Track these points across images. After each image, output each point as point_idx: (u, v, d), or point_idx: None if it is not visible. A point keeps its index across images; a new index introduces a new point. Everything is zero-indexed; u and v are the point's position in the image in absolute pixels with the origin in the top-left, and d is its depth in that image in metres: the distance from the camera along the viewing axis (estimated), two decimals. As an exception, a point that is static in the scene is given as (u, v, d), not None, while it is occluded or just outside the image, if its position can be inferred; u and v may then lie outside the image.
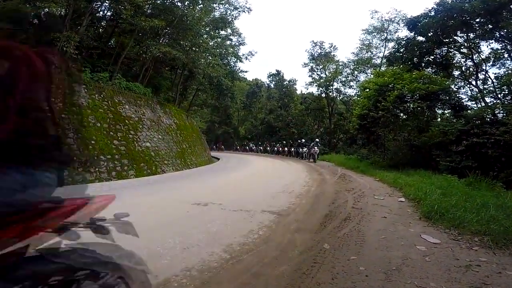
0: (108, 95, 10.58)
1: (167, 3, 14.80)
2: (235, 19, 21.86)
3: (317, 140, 20.02)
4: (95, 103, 9.70)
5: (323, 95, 32.35)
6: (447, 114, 13.68)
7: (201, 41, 17.24)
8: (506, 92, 12.77)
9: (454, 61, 15.55)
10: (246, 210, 4.87)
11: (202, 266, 2.63)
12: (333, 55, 31.83)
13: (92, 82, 10.16)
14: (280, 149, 28.04)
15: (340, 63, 31.16)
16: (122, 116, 10.84)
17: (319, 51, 31.91)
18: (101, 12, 14.64)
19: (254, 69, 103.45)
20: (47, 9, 10.27)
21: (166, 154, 12.77)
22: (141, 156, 10.77)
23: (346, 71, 30.85)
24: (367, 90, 14.92)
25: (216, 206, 5.20)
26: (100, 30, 15.71)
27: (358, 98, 18.22)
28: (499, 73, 14.43)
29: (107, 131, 9.65)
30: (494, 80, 14.05)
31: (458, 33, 13.96)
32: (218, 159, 21.97)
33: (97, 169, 8.48)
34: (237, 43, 25.26)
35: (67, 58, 9.57)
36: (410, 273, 2.55)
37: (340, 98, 32.29)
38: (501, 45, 14.07)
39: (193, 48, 17.11)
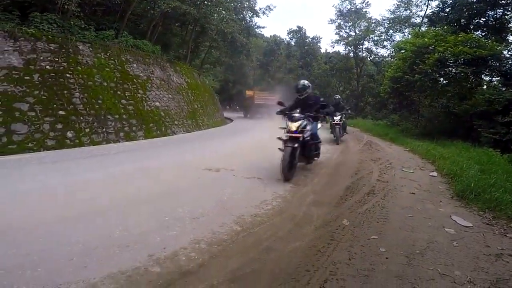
0: (114, 53, 10.50)
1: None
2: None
3: (337, 97, 12.20)
4: (101, 62, 9.68)
5: (351, 54, 31.32)
6: (496, 82, 12.85)
7: (213, -7, 16.53)
8: None
9: (511, 24, 14.25)
10: (259, 178, 4.90)
11: (212, 239, 2.70)
12: (365, 11, 30.49)
13: (97, 41, 10.06)
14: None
15: (373, 21, 29.80)
16: (129, 75, 10.83)
17: (348, 6, 30.61)
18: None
19: (273, 25, 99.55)
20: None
21: (177, 115, 12.88)
22: (150, 116, 10.92)
23: (379, 29, 29.45)
24: (403, 51, 14.48)
25: (228, 172, 5.27)
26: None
27: (392, 60, 17.54)
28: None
29: (114, 91, 9.72)
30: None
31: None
32: (232, 120, 22.01)
33: (104, 129, 8.69)
34: (253, -4, 24.14)
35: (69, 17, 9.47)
36: (434, 259, 2.51)
37: (371, 58, 31.12)
38: None
39: (205, 2, 16.46)
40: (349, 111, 13.64)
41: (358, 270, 2.28)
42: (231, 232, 2.88)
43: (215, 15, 18.11)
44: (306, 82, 5.64)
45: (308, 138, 5.13)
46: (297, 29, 40.01)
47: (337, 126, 10.19)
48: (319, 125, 5.96)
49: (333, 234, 2.92)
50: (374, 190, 4.54)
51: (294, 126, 4.92)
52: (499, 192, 4.04)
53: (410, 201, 4.05)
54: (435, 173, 5.86)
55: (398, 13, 27.80)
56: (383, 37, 29.37)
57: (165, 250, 2.45)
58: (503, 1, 13.15)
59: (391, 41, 28.50)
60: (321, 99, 6.15)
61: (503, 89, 10.97)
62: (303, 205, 3.76)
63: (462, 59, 11.44)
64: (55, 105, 7.69)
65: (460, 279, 2.22)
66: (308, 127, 5.15)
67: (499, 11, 13.71)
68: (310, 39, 39.15)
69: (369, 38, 29.74)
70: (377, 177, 5.35)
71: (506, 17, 13.91)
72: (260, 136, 10.98)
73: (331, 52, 35.76)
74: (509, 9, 13.61)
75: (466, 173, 5.17)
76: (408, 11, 27.24)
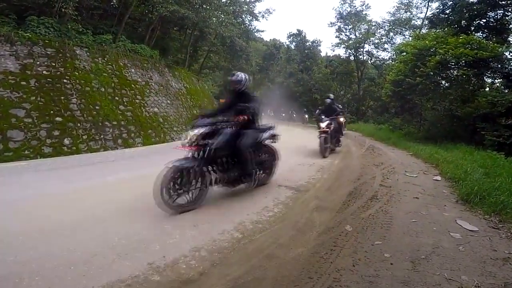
0: (112, 58, 10.57)
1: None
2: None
3: (329, 100, 9.34)
4: (98, 67, 9.74)
5: (352, 58, 31.45)
6: (498, 84, 12.92)
7: (212, -3, 16.66)
8: None
9: (511, 25, 14.37)
10: (261, 184, 4.90)
11: (212, 246, 2.70)
12: (365, 14, 30.57)
13: (94, 45, 10.13)
14: (306, 116, 27.53)
15: (373, 23, 29.93)
16: (127, 80, 10.88)
17: (348, 9, 30.75)
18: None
19: (272, 28, 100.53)
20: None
21: (176, 120, 12.91)
22: (149, 122, 10.95)
23: (379, 32, 29.66)
24: (404, 53, 14.60)
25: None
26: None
27: (393, 63, 17.64)
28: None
29: (112, 96, 9.76)
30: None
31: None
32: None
33: (102, 136, 8.71)
34: (252, 0, 24.34)
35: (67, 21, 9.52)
36: (440, 264, 2.50)
37: (372, 61, 31.26)
38: None
39: (204, 6, 16.56)
40: (341, 111, 9.57)
41: (362, 277, 2.27)
42: (232, 239, 2.87)
43: (214, 19, 18.22)
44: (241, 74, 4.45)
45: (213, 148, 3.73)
46: (297, 32, 40.12)
47: (323, 135, 8.05)
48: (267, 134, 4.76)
49: (336, 240, 2.91)
50: (377, 195, 4.53)
51: None
52: (504, 195, 4.03)
53: (414, 206, 4.05)
54: (438, 177, 5.85)
55: (399, 15, 28.01)
56: (383, 40, 29.54)
57: (165, 258, 2.44)
58: (503, 2, 13.21)
59: (391, 44, 28.66)
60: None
61: (506, 91, 11.05)
62: (306, 211, 3.75)
63: (463, 61, 11.52)
64: (52, 111, 7.72)
65: (467, 284, 2.22)
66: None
67: (500, 12, 13.77)
68: (310, 43, 39.28)
69: (370, 41, 29.89)
70: (380, 182, 5.34)
71: (507, 18, 13.98)
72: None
73: (331, 55, 36.05)
74: (510, 9, 13.66)
75: (471, 176, 5.16)
76: (409, 13, 27.43)
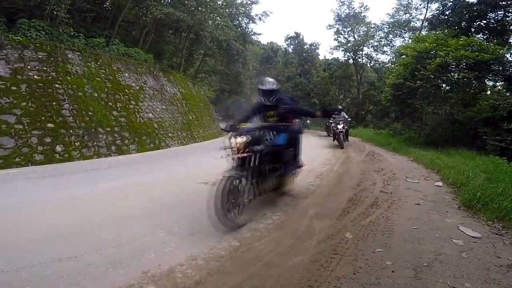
0: (105, 62, 10.62)
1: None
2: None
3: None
4: (91, 72, 9.77)
5: (351, 61, 31.73)
6: (499, 87, 13.05)
7: (208, -1, 16.80)
8: None
9: None
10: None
11: (209, 255, 2.69)
12: (364, 16, 30.95)
13: (87, 49, 10.17)
14: (308, 121, 27.15)
15: (372, 25, 30.26)
16: (121, 85, 10.91)
17: (347, 11, 31.05)
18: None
19: (269, 31, 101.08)
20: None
21: (171, 126, 12.93)
22: (143, 129, 10.96)
23: (379, 34, 29.95)
24: (404, 56, 14.74)
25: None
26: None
27: (393, 66, 17.77)
28: None
29: (105, 102, 9.78)
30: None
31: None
32: (229, 131, 22.05)
33: (95, 143, 8.70)
34: (249, 2, 24.59)
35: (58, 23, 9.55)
36: (442, 271, 2.51)
37: (371, 65, 31.58)
38: None
39: (199, 8, 16.69)
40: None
41: (363, 285, 2.28)
42: (229, 247, 2.87)
43: (209, 21, 18.33)
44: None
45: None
46: (295, 35, 40.45)
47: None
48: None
49: (336, 248, 2.92)
50: (377, 201, 4.55)
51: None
52: (507, 201, 4.05)
53: (415, 212, 4.07)
54: (440, 183, 5.89)
55: (398, 17, 28.25)
56: (383, 42, 29.81)
57: (160, 267, 2.44)
58: (503, 3, 13.37)
59: (391, 47, 28.96)
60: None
61: (508, 94, 11.11)
62: (305, 218, 3.76)
63: (464, 64, 11.62)
64: (43, 118, 7.72)
65: (470, 292, 2.23)
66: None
67: (500, 12, 13.94)
68: (308, 46, 39.59)
69: (369, 44, 30.19)
70: (381, 188, 5.36)
71: (507, 19, 14.13)
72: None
73: (330, 58, 36.23)
74: (510, 10, 13.82)
75: (473, 182, 5.20)
76: (408, 15, 27.70)
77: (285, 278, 2.36)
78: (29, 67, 7.99)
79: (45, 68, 8.37)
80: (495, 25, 14.10)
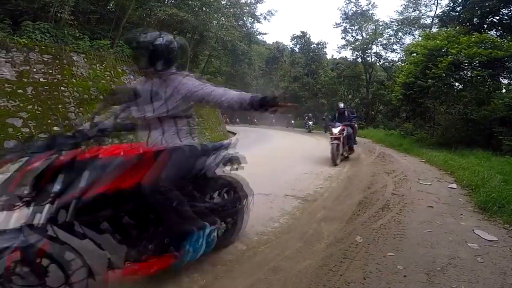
0: (110, 64, 10.75)
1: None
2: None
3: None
4: (96, 74, 9.90)
5: (359, 60, 31.53)
6: (515, 85, 12.86)
7: (212, -1, 16.93)
8: None
9: None
10: (266, 194, 4.87)
11: (215, 259, 2.69)
12: (372, 13, 30.89)
13: (91, 51, 10.30)
14: (310, 122, 26.45)
15: (381, 23, 30.19)
16: (126, 86, 11.04)
17: (354, 9, 31.02)
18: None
19: (275, 31, 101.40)
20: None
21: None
22: (150, 132, 11.03)
23: (387, 32, 29.86)
24: (414, 54, 14.58)
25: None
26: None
27: (403, 64, 17.65)
28: None
29: (111, 104, 9.88)
30: None
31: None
32: (234, 133, 22.14)
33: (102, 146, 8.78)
34: (253, 1, 24.67)
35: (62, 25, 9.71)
36: (457, 276, 2.47)
37: (380, 63, 31.36)
38: None
39: (203, 8, 16.84)
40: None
41: (374, 290, 2.26)
42: (235, 251, 2.87)
43: (214, 22, 18.46)
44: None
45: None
46: (301, 34, 40.37)
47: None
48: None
49: (345, 252, 2.89)
50: (389, 204, 4.51)
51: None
52: (525, 204, 4.00)
53: (428, 215, 4.02)
54: (454, 185, 5.81)
55: (407, 14, 28.17)
56: (392, 40, 29.66)
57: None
58: None
59: (400, 45, 28.79)
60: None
61: (524, 92, 10.98)
62: (313, 221, 3.74)
63: (477, 62, 11.47)
64: (49, 120, 7.84)
65: (486, 299, 2.19)
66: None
67: (514, 7, 13.79)
68: (315, 45, 39.44)
69: (377, 42, 29.99)
70: (392, 191, 5.31)
71: (522, 13, 14.01)
72: (265, 152, 11.01)
73: (337, 58, 36.10)
74: (525, 5, 13.68)
75: (488, 184, 5.12)
76: (417, 12, 27.63)
77: (293, 283, 2.35)
78: (34, 69, 8.13)
79: (51, 71, 8.50)
80: (509, 21, 13.96)
